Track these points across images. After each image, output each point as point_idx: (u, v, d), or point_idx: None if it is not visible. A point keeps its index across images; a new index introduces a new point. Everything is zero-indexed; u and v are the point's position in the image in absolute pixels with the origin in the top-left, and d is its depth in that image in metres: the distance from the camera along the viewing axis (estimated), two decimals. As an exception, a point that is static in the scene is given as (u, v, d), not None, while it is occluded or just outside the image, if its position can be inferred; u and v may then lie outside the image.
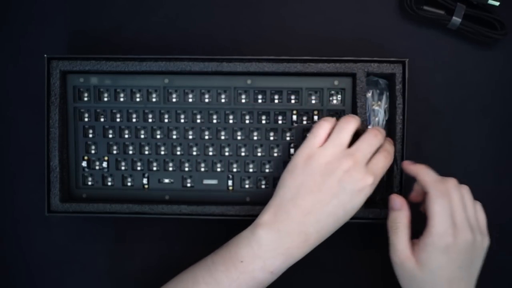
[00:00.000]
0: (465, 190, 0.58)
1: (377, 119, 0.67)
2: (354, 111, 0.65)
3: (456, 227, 0.55)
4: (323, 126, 0.58)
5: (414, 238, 0.58)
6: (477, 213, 0.58)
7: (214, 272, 0.57)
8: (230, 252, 0.57)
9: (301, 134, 0.66)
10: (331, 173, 0.55)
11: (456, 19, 0.67)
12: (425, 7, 0.68)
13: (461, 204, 0.56)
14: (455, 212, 0.55)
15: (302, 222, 0.55)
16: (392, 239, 0.58)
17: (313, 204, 0.55)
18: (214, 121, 0.67)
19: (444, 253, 0.55)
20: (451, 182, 0.57)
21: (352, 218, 0.64)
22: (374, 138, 0.58)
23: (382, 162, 0.58)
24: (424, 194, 0.58)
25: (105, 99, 0.67)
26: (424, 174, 0.58)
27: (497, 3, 0.67)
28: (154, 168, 0.68)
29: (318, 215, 0.55)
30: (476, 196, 0.69)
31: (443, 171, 0.69)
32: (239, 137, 0.67)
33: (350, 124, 0.58)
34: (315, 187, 0.55)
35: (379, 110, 0.67)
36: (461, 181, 0.68)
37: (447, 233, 0.55)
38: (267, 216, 0.57)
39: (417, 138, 0.69)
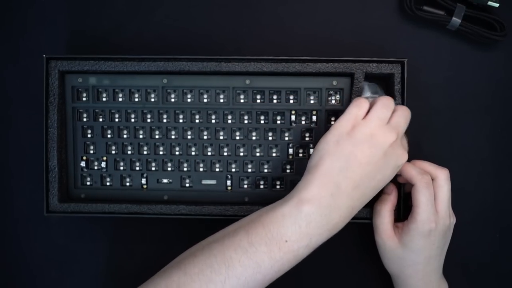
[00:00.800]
0: (445, 177, 0.60)
1: None
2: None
3: (438, 214, 0.59)
4: (365, 101, 0.58)
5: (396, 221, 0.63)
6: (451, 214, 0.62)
7: (254, 254, 0.52)
8: (271, 232, 0.52)
9: (300, 134, 0.66)
10: (378, 146, 0.55)
11: (456, 20, 0.67)
12: (425, 8, 0.68)
13: (442, 193, 0.59)
14: (438, 199, 0.59)
15: (351, 196, 0.54)
16: (376, 220, 0.62)
17: (361, 178, 0.54)
18: (213, 121, 0.67)
19: (426, 237, 0.58)
20: (437, 173, 0.60)
21: (352, 218, 0.64)
22: (405, 111, 0.59)
23: (405, 140, 0.60)
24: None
25: (104, 99, 0.67)
26: (406, 168, 0.59)
27: (497, 4, 0.67)
28: (153, 168, 0.68)
29: (364, 189, 0.55)
30: (476, 196, 0.69)
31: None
32: (237, 137, 0.67)
33: (392, 103, 0.58)
34: (364, 158, 0.54)
35: None
36: (461, 181, 0.68)
37: (429, 220, 0.58)
38: (313, 190, 0.53)
39: (417, 138, 0.69)
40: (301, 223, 0.52)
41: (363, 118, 0.56)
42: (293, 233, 0.52)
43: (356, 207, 0.55)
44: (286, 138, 0.66)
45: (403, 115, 0.58)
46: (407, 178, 0.59)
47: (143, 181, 0.68)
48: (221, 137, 0.67)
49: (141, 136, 0.67)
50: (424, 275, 0.61)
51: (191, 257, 0.54)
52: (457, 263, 0.69)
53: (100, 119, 0.67)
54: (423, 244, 0.59)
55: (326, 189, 0.53)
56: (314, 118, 0.66)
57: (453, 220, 0.61)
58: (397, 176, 0.60)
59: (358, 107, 0.57)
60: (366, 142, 0.55)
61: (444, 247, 0.62)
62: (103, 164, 0.68)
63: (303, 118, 0.66)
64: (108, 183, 0.68)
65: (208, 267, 0.52)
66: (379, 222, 0.61)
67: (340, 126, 0.56)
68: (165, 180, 0.68)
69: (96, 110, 0.67)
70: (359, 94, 0.64)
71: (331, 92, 0.66)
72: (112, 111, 0.67)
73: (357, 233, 0.69)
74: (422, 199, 0.58)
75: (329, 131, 0.57)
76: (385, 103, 0.57)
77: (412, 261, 0.60)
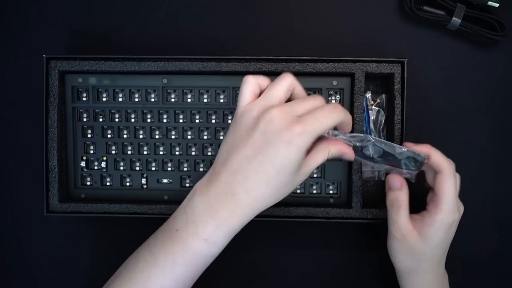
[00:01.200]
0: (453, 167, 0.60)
1: (372, 117, 0.67)
2: (351, 111, 0.65)
3: (458, 205, 0.58)
4: (248, 82, 0.53)
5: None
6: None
7: (153, 247, 0.54)
8: (167, 224, 0.55)
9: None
10: (255, 126, 0.50)
11: (456, 20, 0.67)
12: (425, 8, 0.68)
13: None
14: (457, 191, 0.59)
15: (229, 182, 0.51)
16: (393, 216, 0.59)
17: (238, 161, 0.50)
18: (213, 121, 0.67)
19: (449, 228, 0.58)
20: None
21: (352, 218, 0.64)
22: (312, 99, 0.53)
23: (319, 117, 0.51)
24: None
25: (104, 99, 0.67)
26: (437, 154, 0.58)
27: (497, 4, 0.67)
28: (153, 168, 0.68)
29: (244, 172, 0.50)
30: (476, 196, 0.69)
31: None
32: (237, 137, 0.67)
33: (284, 80, 0.53)
34: (241, 143, 0.51)
35: (376, 109, 0.67)
36: (461, 181, 0.68)
37: (454, 210, 0.57)
38: (201, 182, 0.54)
39: (417, 138, 0.69)
40: (188, 211, 0.53)
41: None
42: (181, 220, 0.53)
43: (240, 193, 0.51)
44: (286, 138, 0.66)
45: (301, 99, 0.53)
46: (435, 165, 0.58)
47: (143, 181, 0.68)
48: (221, 137, 0.67)
49: (141, 136, 0.67)
50: (438, 268, 0.61)
51: (121, 266, 0.58)
52: (456, 262, 0.69)
53: (100, 119, 0.67)
54: (445, 236, 0.58)
55: (209, 180, 0.53)
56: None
57: (462, 208, 0.60)
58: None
59: (240, 94, 0.54)
60: (244, 126, 0.52)
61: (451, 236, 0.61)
62: (103, 164, 0.68)
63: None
64: (108, 183, 0.68)
65: (124, 265, 0.58)
66: (398, 219, 0.59)
67: (237, 109, 0.54)
68: (165, 180, 0.68)
69: (96, 110, 0.67)
70: (361, 94, 0.64)
71: (331, 92, 0.66)
72: (112, 111, 0.67)
73: (358, 233, 0.69)
74: (450, 188, 0.57)
75: None
76: (275, 83, 0.53)
77: (432, 254, 0.59)
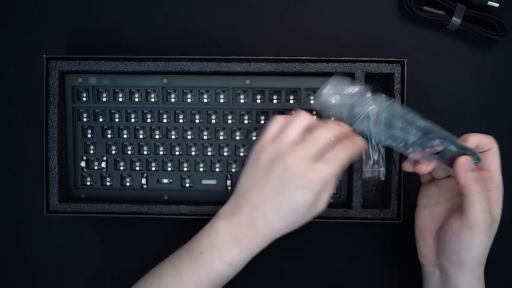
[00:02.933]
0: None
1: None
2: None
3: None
4: (276, 121, 0.56)
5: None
6: None
7: (178, 265, 0.58)
8: (192, 245, 0.58)
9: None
10: (271, 168, 0.54)
11: (456, 20, 0.67)
12: (425, 8, 0.68)
13: None
14: None
15: (251, 216, 0.55)
16: (482, 203, 0.54)
17: (258, 198, 0.55)
18: (213, 121, 0.67)
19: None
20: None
21: (352, 218, 0.64)
22: (325, 130, 0.54)
23: (333, 160, 0.54)
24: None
25: (104, 99, 0.67)
26: (463, 176, 0.54)
27: (497, 4, 0.67)
28: (153, 168, 0.68)
29: (264, 209, 0.54)
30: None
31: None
32: (237, 137, 0.67)
33: (299, 119, 0.55)
34: (260, 182, 0.55)
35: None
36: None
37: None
38: (225, 208, 0.57)
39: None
40: (212, 236, 0.56)
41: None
42: (206, 245, 0.57)
43: (260, 226, 0.55)
44: (286, 138, 0.66)
45: (315, 133, 0.54)
46: (460, 186, 0.54)
47: (143, 181, 0.68)
48: (221, 137, 0.67)
49: (141, 136, 0.67)
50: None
51: (144, 278, 0.62)
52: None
53: (100, 119, 0.67)
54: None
55: (232, 209, 0.57)
56: (314, 118, 0.66)
57: None
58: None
59: (266, 130, 0.57)
60: (263, 166, 0.55)
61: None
62: (103, 164, 0.68)
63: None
64: (108, 183, 0.68)
65: (148, 278, 0.61)
66: (493, 197, 0.57)
67: (252, 152, 0.57)
68: (165, 180, 0.68)
69: (96, 110, 0.67)
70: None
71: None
72: (112, 111, 0.67)
73: (357, 233, 0.69)
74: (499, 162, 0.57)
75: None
76: (290, 122, 0.56)
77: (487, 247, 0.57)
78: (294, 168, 0.53)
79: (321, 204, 0.55)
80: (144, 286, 0.60)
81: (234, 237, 0.55)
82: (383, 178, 0.67)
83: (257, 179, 0.55)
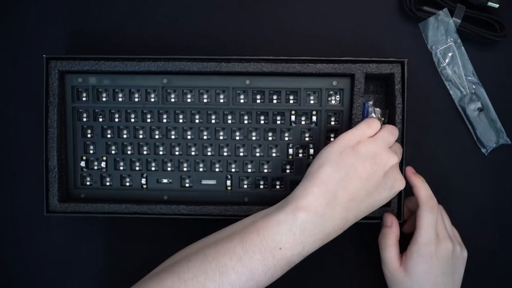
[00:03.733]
0: (442, 208, 0.65)
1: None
2: (351, 112, 0.65)
3: (438, 237, 0.61)
4: (377, 122, 0.58)
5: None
6: (453, 228, 0.65)
7: (248, 261, 0.52)
8: (266, 239, 0.52)
9: (300, 135, 0.66)
10: (380, 164, 0.55)
11: (456, 20, 0.67)
12: (425, 8, 0.68)
13: (442, 219, 0.63)
14: (438, 225, 0.61)
15: (346, 207, 0.54)
16: (383, 254, 0.63)
17: (358, 191, 0.54)
18: (213, 121, 0.67)
19: (428, 259, 0.60)
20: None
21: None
22: (400, 146, 0.61)
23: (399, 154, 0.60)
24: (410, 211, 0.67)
25: (104, 99, 0.67)
26: (420, 188, 0.61)
27: (497, 5, 0.67)
28: (153, 168, 0.68)
29: (360, 203, 0.55)
30: (476, 196, 0.69)
31: (443, 171, 0.69)
32: (237, 137, 0.67)
33: (397, 131, 0.59)
34: (364, 173, 0.54)
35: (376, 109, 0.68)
36: (461, 181, 0.68)
37: (430, 242, 0.60)
38: (310, 197, 0.53)
39: (417, 138, 0.69)
40: (296, 231, 0.52)
41: (369, 137, 0.57)
42: (287, 241, 0.52)
43: (349, 220, 0.55)
44: (286, 138, 0.66)
45: (399, 148, 0.60)
46: (416, 197, 0.62)
47: (143, 181, 0.68)
48: (221, 137, 0.67)
49: (141, 136, 0.67)
50: None
51: (184, 261, 0.54)
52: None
53: (100, 119, 0.67)
54: (426, 269, 0.60)
55: (323, 197, 0.53)
56: (314, 118, 0.66)
57: (460, 248, 0.63)
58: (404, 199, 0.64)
59: (368, 125, 0.57)
60: (369, 158, 0.55)
61: (454, 277, 0.63)
62: (103, 164, 0.68)
63: (303, 119, 0.66)
64: (108, 183, 0.68)
65: (203, 273, 0.52)
66: (386, 256, 0.63)
67: (346, 139, 0.56)
68: (165, 180, 0.68)
69: (96, 110, 0.67)
70: (361, 94, 0.64)
71: (331, 92, 0.66)
72: (112, 111, 0.67)
73: (358, 233, 0.69)
74: (425, 221, 0.60)
75: (334, 141, 0.56)
76: (392, 130, 0.58)
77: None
78: (396, 170, 0.57)
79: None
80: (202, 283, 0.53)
81: (323, 231, 0.53)
82: None
83: (360, 169, 0.54)
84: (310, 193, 0.53)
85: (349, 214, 0.55)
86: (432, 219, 0.60)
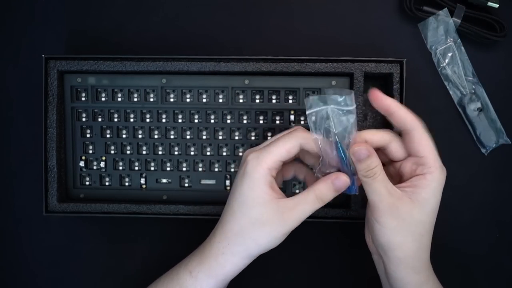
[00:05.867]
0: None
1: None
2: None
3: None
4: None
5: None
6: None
7: (176, 279, 0.57)
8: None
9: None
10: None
11: (456, 20, 0.67)
12: (425, 8, 0.68)
13: None
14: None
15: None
16: (374, 185, 0.51)
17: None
18: (212, 121, 0.67)
19: (441, 189, 0.52)
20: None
21: (351, 218, 0.65)
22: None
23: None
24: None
25: (103, 99, 0.67)
26: (402, 110, 0.52)
27: (497, 5, 0.67)
28: (152, 168, 0.68)
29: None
30: (476, 196, 0.69)
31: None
32: (236, 137, 0.67)
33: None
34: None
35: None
36: (461, 181, 0.68)
37: (442, 166, 0.52)
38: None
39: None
40: None
41: None
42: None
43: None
44: (285, 138, 0.66)
45: None
46: (401, 125, 0.52)
47: (142, 181, 0.68)
48: (220, 137, 0.67)
49: (140, 136, 0.67)
50: (427, 248, 0.54)
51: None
52: (456, 262, 0.69)
53: (99, 119, 0.67)
54: (438, 200, 0.52)
55: None
56: (313, 118, 0.66)
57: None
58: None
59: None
60: None
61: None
62: (102, 164, 0.68)
63: (302, 118, 0.66)
64: (107, 183, 0.68)
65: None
66: (378, 187, 0.51)
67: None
68: (164, 180, 0.68)
69: (95, 110, 0.67)
70: (360, 94, 0.63)
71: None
72: (111, 111, 0.67)
73: (358, 233, 0.69)
74: (431, 143, 0.52)
75: None
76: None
77: (430, 223, 0.52)
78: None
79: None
80: None
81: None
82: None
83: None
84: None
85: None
86: (431, 140, 0.52)
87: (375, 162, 0.50)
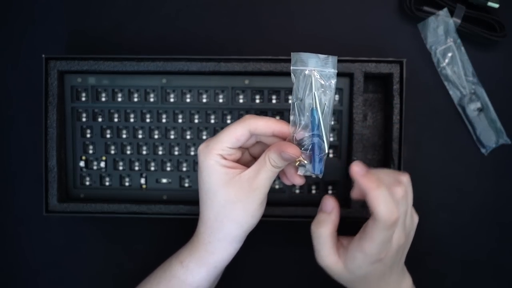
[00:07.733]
0: (410, 190, 0.54)
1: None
2: (350, 111, 0.65)
3: (391, 244, 0.52)
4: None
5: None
6: (412, 212, 0.56)
7: (168, 268, 0.59)
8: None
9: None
10: None
11: (456, 20, 0.67)
12: (425, 8, 0.68)
13: (404, 223, 0.53)
14: (397, 231, 0.52)
15: None
16: (316, 245, 0.55)
17: None
18: (212, 121, 0.67)
19: (375, 263, 0.52)
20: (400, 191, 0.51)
21: (351, 217, 0.64)
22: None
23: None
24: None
25: (103, 99, 0.67)
26: (376, 199, 0.49)
27: (497, 5, 0.67)
28: (152, 168, 0.68)
29: None
30: (476, 196, 0.69)
31: (442, 171, 0.68)
32: (236, 137, 0.67)
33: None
34: None
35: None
36: (461, 181, 0.68)
37: (380, 253, 0.52)
38: None
39: (417, 138, 0.69)
40: None
41: None
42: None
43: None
44: (285, 138, 0.66)
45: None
46: (370, 208, 0.50)
47: (142, 181, 0.68)
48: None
49: (140, 136, 0.67)
50: (381, 282, 0.56)
51: None
52: (456, 262, 0.69)
53: (99, 119, 0.67)
54: (373, 270, 0.53)
55: None
56: (313, 118, 0.66)
57: (412, 228, 0.56)
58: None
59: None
60: None
61: (402, 259, 0.56)
62: (102, 164, 0.68)
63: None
64: (107, 183, 0.68)
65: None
66: (320, 249, 0.55)
67: None
68: (164, 180, 0.68)
69: (95, 110, 0.67)
70: (360, 94, 0.63)
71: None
72: (111, 111, 0.67)
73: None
74: (378, 237, 0.50)
75: None
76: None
77: (362, 283, 0.55)
78: None
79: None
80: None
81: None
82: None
83: None
84: None
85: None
86: (388, 236, 0.50)
87: (329, 222, 0.55)
